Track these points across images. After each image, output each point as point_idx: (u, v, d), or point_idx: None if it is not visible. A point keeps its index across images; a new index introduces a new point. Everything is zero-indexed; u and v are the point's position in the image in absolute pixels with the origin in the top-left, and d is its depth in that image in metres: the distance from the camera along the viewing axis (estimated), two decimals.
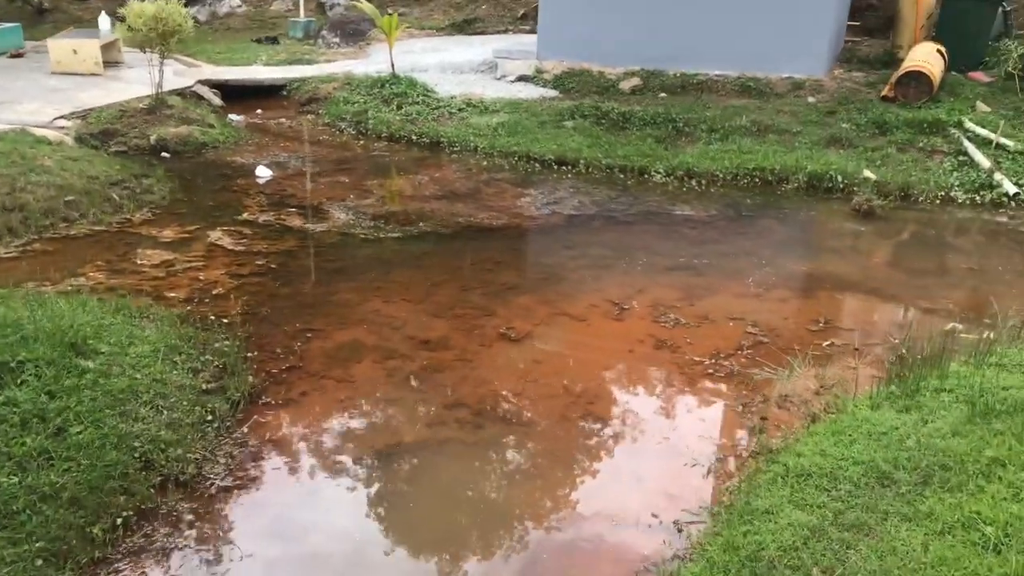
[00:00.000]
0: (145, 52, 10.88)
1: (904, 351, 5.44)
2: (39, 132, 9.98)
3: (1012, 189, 8.84)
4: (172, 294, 6.29)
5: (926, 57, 11.06)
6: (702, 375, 5.29)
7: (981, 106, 10.76)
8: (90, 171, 8.80)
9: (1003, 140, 9.74)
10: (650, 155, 10.16)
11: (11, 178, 8.04)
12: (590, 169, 9.99)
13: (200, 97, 12.57)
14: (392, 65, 13.22)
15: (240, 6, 19.09)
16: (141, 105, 11.09)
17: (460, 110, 12.02)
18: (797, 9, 11.79)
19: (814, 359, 5.38)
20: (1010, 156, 9.55)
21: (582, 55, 13.22)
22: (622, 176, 9.81)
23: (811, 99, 11.49)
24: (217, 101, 12.66)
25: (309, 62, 15.21)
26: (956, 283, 7.02)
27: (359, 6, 13.94)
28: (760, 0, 11.98)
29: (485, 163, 10.27)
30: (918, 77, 10.83)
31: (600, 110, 11.45)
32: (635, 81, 12.58)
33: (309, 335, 5.74)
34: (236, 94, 13.25)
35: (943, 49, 11.37)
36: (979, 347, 5.25)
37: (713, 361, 5.43)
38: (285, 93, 13.69)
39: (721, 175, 9.61)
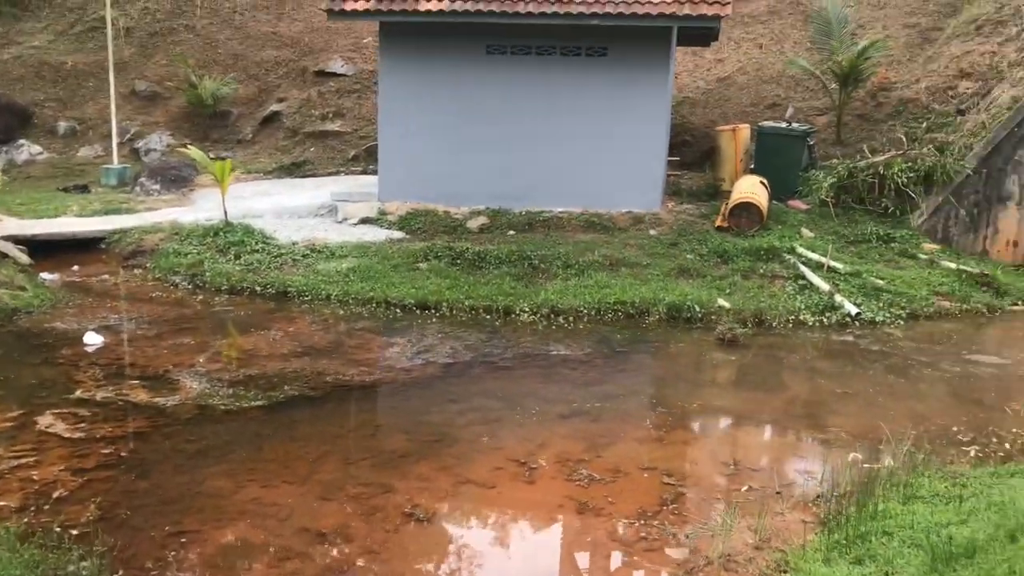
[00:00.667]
0: None
1: (822, 491, 5.39)
2: None
3: (853, 310, 9.40)
4: (0, 503, 5.22)
5: (752, 189, 11.85)
6: (636, 541, 4.94)
7: (806, 232, 11.60)
8: None
9: (833, 263, 10.45)
10: (512, 294, 10.03)
11: None
12: (454, 312, 9.69)
13: (3, 255, 11.25)
14: (225, 212, 12.54)
15: (41, 153, 17.74)
16: None
17: (304, 256, 11.48)
18: (634, 149, 12.41)
19: (740, 508, 5.18)
20: (842, 278, 10.23)
21: (426, 196, 13.15)
22: (488, 317, 9.58)
23: (653, 232, 11.93)
24: (24, 259, 11.37)
25: (128, 211, 14.16)
26: (838, 409, 7.19)
27: (186, 152, 13.23)
28: (599, 141, 12.53)
29: (341, 312, 9.72)
30: (748, 208, 11.55)
31: (454, 250, 11.30)
32: (482, 220, 12.61)
33: (183, 539, 4.88)
34: (46, 249, 11.99)
35: (765, 181, 12.24)
36: (888, 478, 5.28)
37: (643, 523, 5.11)
38: (104, 246, 12.57)
39: (585, 311, 9.60)
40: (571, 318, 9.51)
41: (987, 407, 7.31)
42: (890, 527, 4.56)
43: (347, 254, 11.53)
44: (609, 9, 11.80)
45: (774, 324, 9.31)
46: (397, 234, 12.53)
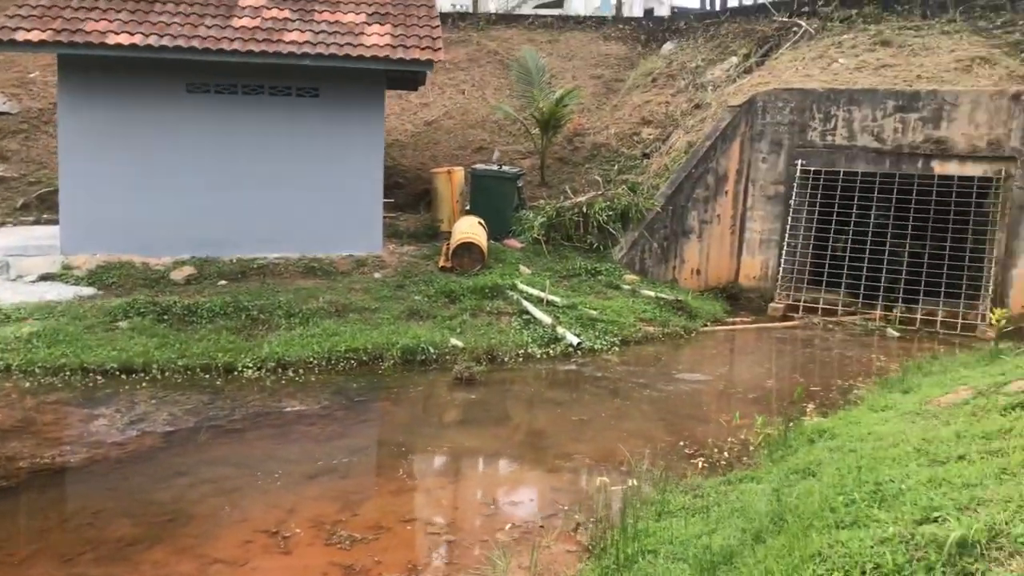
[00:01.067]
0: None
1: (580, 519, 5.50)
2: None
3: (574, 340, 9.91)
4: None
5: (472, 229, 12.13)
6: None
7: (524, 269, 12.08)
8: None
9: (551, 297, 10.97)
10: (231, 348, 9.28)
11: None
12: (166, 374, 8.73)
13: None
14: None
15: None
16: None
17: None
18: (352, 190, 12.21)
19: (508, 548, 5.11)
20: (561, 310, 10.76)
21: (120, 246, 11.86)
22: (207, 377, 8.75)
23: (377, 275, 11.75)
24: None
25: None
26: (577, 436, 7.44)
27: None
28: (315, 183, 12.16)
29: (27, 384, 8.35)
30: (470, 248, 11.80)
31: (159, 305, 10.24)
32: (188, 270, 11.61)
33: None
34: None
35: (483, 221, 12.60)
36: (637, 498, 5.52)
37: None
38: None
39: (315, 361, 9.13)
40: (301, 370, 8.98)
41: (702, 420, 8.00)
42: (652, 545, 4.72)
43: (27, 316, 9.99)
44: (321, 50, 11.54)
45: (506, 359, 9.52)
46: (87, 290, 11.13)
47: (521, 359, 9.57)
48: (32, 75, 17.99)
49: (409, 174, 15.98)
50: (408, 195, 15.68)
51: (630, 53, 18.65)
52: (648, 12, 23.03)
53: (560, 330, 10.08)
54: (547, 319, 10.31)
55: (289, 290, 11.03)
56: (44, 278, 11.39)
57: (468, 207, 13.69)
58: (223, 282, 11.42)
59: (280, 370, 8.97)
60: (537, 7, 30.94)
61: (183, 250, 11.95)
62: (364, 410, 8.03)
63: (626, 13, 21.82)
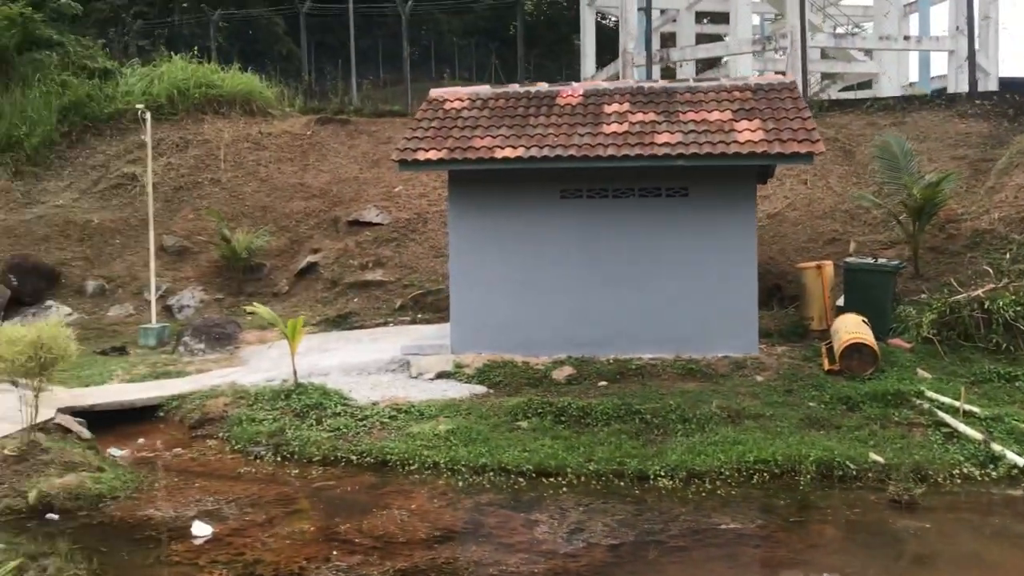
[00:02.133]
0: (17, 386, 8.74)
1: None
2: None
3: (1020, 461, 8.70)
4: None
5: (858, 328, 11.35)
6: None
7: (922, 372, 11.03)
8: None
9: (968, 407, 9.82)
10: (635, 454, 9.21)
11: None
12: (581, 478, 8.82)
13: (66, 430, 10.25)
14: (295, 372, 11.72)
15: (71, 314, 16.87)
16: (6, 452, 8.70)
17: (392, 418, 10.60)
18: (726, 291, 11.98)
19: None
20: (985, 423, 9.58)
21: (501, 346, 12.47)
22: (621, 483, 8.71)
23: (759, 378, 11.30)
24: (86, 433, 10.35)
25: (179, 375, 13.27)
26: None
27: (255, 310, 12.51)
28: (687, 283, 12.09)
29: (460, 484, 8.80)
30: (860, 349, 11.01)
31: (554, 406, 10.51)
32: (568, 370, 11.91)
33: None
34: (102, 421, 11.02)
35: (866, 319, 11.76)
36: None
37: None
38: (162, 414, 11.62)
39: (726, 472, 8.77)
40: (714, 482, 8.66)
41: None
42: None
43: (436, 414, 10.67)
44: (694, 149, 11.60)
45: (939, 480, 8.56)
46: (479, 388, 11.75)
47: (958, 481, 8.55)
48: (396, 189, 20.00)
49: (759, 269, 15.50)
50: (762, 291, 15.16)
51: (995, 130, 17.05)
52: (1007, 85, 21.08)
53: (997, 447, 8.93)
54: (975, 434, 9.20)
55: (674, 393, 10.86)
56: (440, 376, 12.22)
57: (840, 304, 12.91)
58: (603, 383, 11.55)
59: (693, 480, 8.72)
60: (842, 90, 29.69)
61: (560, 350, 12.31)
62: (805, 533, 7.51)
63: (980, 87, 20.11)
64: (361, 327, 16.29)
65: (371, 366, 12.83)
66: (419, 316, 16.38)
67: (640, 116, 12.48)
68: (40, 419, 10.15)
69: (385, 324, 16.28)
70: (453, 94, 13.55)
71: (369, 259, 18.00)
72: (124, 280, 17.96)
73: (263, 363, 13.62)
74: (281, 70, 27.46)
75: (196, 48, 24.44)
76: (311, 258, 18.44)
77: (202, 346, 14.74)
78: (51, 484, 8.20)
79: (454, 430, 10.03)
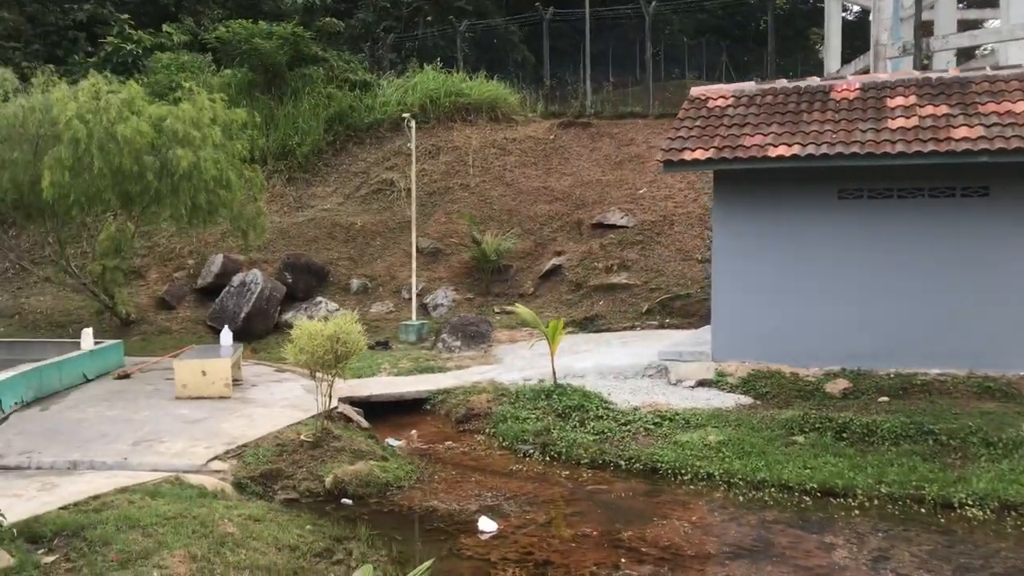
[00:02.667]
0: (315, 377, 9.37)
1: None
2: (195, 480, 8.17)
3: None
4: None
5: None
6: None
7: None
8: (284, 538, 6.85)
9: None
10: (933, 479, 8.31)
11: (207, 564, 6.06)
12: (874, 501, 8.09)
13: (347, 419, 10.90)
14: (554, 373, 11.77)
15: (338, 309, 18.09)
16: (303, 437, 9.35)
17: (656, 425, 10.33)
18: None
19: None
20: None
21: (766, 355, 11.83)
22: (920, 510, 7.89)
23: None
24: (364, 423, 10.96)
25: (440, 369, 13.81)
26: None
27: (516, 311, 12.74)
28: (986, 293, 10.85)
29: (739, 498, 8.36)
30: None
31: (834, 422, 9.78)
32: (843, 383, 11.06)
33: None
34: (374, 411, 11.63)
35: None
36: None
37: None
38: (429, 407, 12.11)
39: None
40: None
41: None
42: None
43: (703, 423, 10.27)
44: (1001, 144, 10.38)
45: None
46: (744, 399, 11.21)
47: None
48: (640, 191, 19.77)
49: None
50: None
51: None
52: None
53: None
54: None
55: (972, 413, 9.76)
56: (701, 384, 11.80)
57: None
58: (883, 398, 10.61)
59: (1007, 512, 7.73)
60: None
61: (831, 361, 11.49)
62: None
63: None
64: (608, 330, 16.18)
65: (627, 370, 12.64)
66: (667, 321, 16.02)
67: (931, 109, 11.38)
68: (323, 409, 10.92)
69: (632, 328, 16.06)
70: (716, 91, 13.08)
71: (614, 262, 17.89)
72: (384, 279, 19.04)
73: (517, 362, 13.85)
74: (517, 76, 28.12)
75: (439, 58, 25.53)
76: (556, 260, 18.62)
77: (458, 343, 15.26)
78: (344, 470, 8.68)
79: (725, 441, 9.59)
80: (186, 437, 9.37)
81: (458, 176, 21.58)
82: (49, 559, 5.98)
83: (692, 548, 7.15)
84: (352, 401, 11.58)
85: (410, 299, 18.04)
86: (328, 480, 8.55)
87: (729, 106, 12.60)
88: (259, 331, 17.37)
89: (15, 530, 6.29)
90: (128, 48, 25.78)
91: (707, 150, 11.82)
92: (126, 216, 16.42)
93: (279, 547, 6.64)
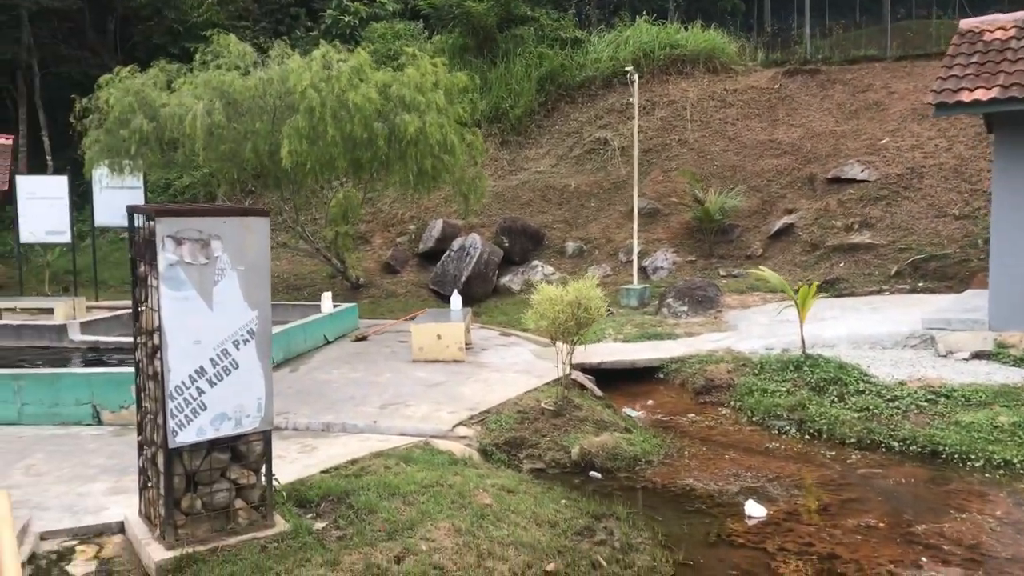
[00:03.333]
0: (555, 343, 9.02)
1: None
2: (443, 445, 8.06)
3: None
4: None
5: None
6: None
7: None
8: (542, 512, 6.52)
9: None
10: None
11: (471, 538, 5.83)
12: None
13: (581, 387, 10.53)
14: (803, 342, 10.78)
15: (554, 273, 17.87)
16: (543, 405, 9.06)
17: (929, 402, 9.15)
18: None
19: None
20: None
21: None
22: None
23: None
24: (597, 391, 10.55)
25: (669, 336, 13.14)
26: None
27: (760, 274, 11.83)
28: None
29: None
30: None
31: None
32: None
33: None
34: (603, 379, 11.18)
35: None
36: None
37: None
38: (661, 376, 11.51)
39: None
40: None
41: None
42: None
43: (988, 401, 8.97)
44: None
45: None
46: None
47: None
48: (882, 142, 17.93)
49: None
50: None
51: None
52: None
53: None
54: None
55: None
56: (977, 356, 10.39)
57: None
58: None
59: None
60: None
61: None
62: None
63: None
64: (851, 294, 14.80)
65: (884, 339, 11.39)
66: (919, 284, 14.41)
67: None
68: (562, 376, 10.58)
69: (879, 292, 14.59)
70: (992, 23, 11.37)
71: (854, 220, 16.35)
72: (599, 241, 18.56)
73: (754, 329, 12.92)
74: (733, 24, 26.48)
75: (643, 12, 24.42)
76: (787, 219, 17.31)
77: (684, 308, 14.51)
78: (590, 442, 8.28)
79: (1021, 423, 8.30)
80: (429, 401, 9.34)
81: (675, 132, 20.60)
82: (319, 525, 5.98)
83: (1007, 549, 6.13)
84: (583, 368, 11.19)
85: (627, 262, 17.47)
86: (574, 451, 8.19)
87: (1011, 38, 10.89)
88: (478, 294, 17.45)
89: (284, 493, 6.38)
90: (346, 20, 26.68)
91: (989, 89, 10.27)
92: (354, 183, 16.91)
93: (538, 522, 6.32)
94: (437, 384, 10.13)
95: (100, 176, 16.15)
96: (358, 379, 10.46)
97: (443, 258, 18.23)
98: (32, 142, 27.90)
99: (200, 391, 5.42)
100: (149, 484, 5.85)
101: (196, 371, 5.39)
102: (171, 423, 5.31)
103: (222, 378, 5.50)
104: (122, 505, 6.24)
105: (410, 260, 19.29)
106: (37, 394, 8.73)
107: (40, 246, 19.76)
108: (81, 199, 20.61)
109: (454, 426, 8.54)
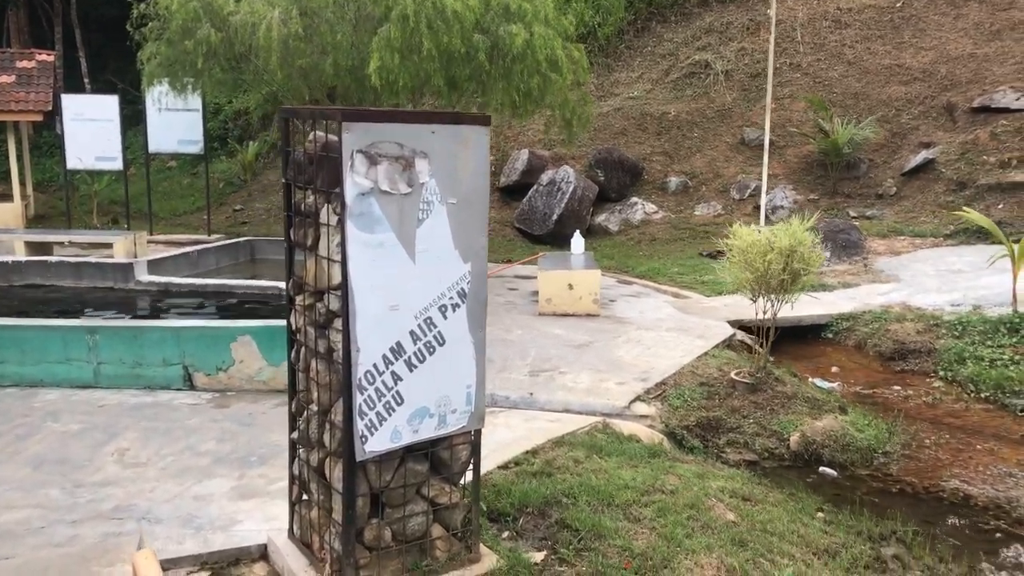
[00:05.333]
0: (757, 299, 7.26)
1: None
2: (624, 427, 6.41)
3: None
4: None
5: None
6: None
7: None
8: (808, 535, 4.87)
9: None
10: None
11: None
12: None
13: (749, 349, 8.83)
14: (1015, 298, 8.97)
15: (656, 212, 16.02)
16: (734, 376, 7.35)
17: None
18: None
19: None
20: None
21: None
22: None
23: None
24: (769, 355, 8.81)
25: (821, 287, 11.32)
26: None
27: (968, 216, 9.95)
28: None
29: None
30: None
31: None
32: None
33: None
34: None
35: None
36: None
37: None
38: (831, 335, 9.78)
39: None
40: None
41: None
42: None
43: None
44: None
45: None
46: None
47: None
48: None
49: None
50: None
51: None
52: None
53: None
54: None
55: None
56: None
57: None
58: None
59: None
60: None
61: None
62: None
63: None
64: (1016, 240, 12.84)
65: None
66: None
67: None
68: (719, 338, 8.89)
69: None
70: None
71: (1012, 155, 14.29)
72: (706, 176, 16.62)
73: (923, 280, 11.10)
74: None
75: None
76: (925, 154, 15.26)
77: (826, 254, 12.63)
78: (812, 427, 6.59)
79: None
80: (585, 367, 7.66)
81: (785, 55, 18.40)
82: (536, 556, 4.36)
83: None
84: (742, 326, 9.47)
85: (740, 199, 15.61)
86: (793, 438, 6.50)
87: None
88: (571, 235, 15.64)
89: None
90: None
91: None
92: (448, 103, 15.01)
93: (814, 551, 4.67)
94: (583, 345, 8.45)
95: (158, 95, 14.37)
96: (489, 337, 8.78)
97: (529, 193, 16.42)
98: (68, 63, 26.10)
99: (396, 378, 3.75)
100: (306, 498, 4.25)
101: (393, 349, 3.71)
102: (359, 425, 3.66)
103: (424, 358, 3.82)
104: (257, 518, 4.66)
105: (491, 194, 17.47)
106: (116, 351, 7.14)
107: (87, 173, 18.14)
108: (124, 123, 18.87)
109: (630, 402, 6.87)
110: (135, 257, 12.04)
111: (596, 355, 8.05)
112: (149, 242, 14.72)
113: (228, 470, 5.32)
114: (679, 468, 5.63)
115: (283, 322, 7.34)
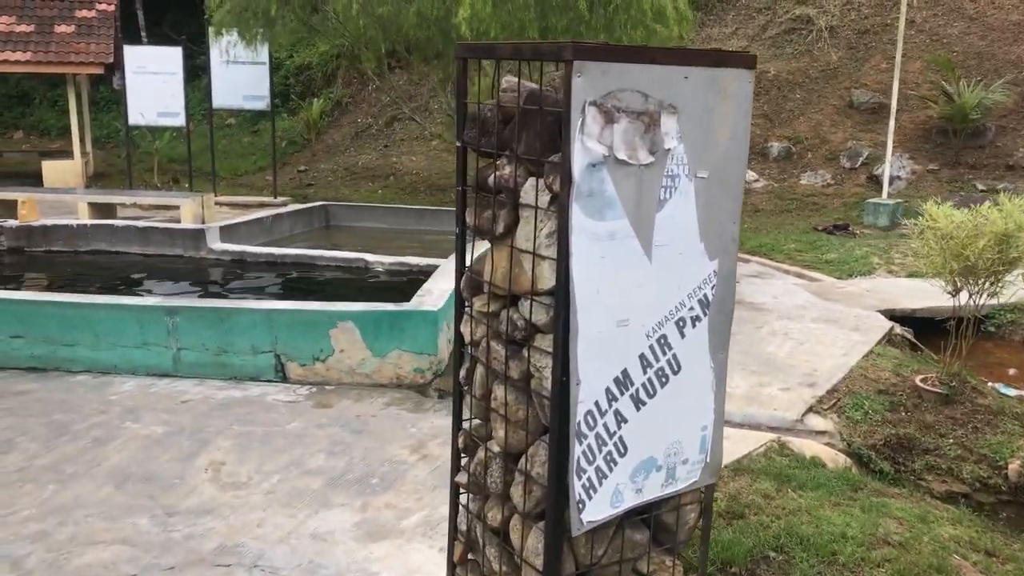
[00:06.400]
0: (960, 292, 6.08)
1: None
2: (802, 446, 5.32)
3: None
4: None
5: None
6: None
7: None
8: None
9: None
10: None
11: None
12: None
13: (913, 346, 7.64)
14: None
15: (757, 180, 14.72)
16: (921, 383, 6.19)
17: None
18: None
19: None
20: None
21: None
22: None
23: None
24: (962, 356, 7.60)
25: None
26: None
27: None
28: None
29: None
30: None
31: None
32: None
33: None
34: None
35: None
36: None
37: None
38: (993, 329, 8.52)
39: None
40: None
41: None
42: None
43: None
44: None
45: None
46: None
47: None
48: None
49: None
50: None
51: None
52: None
53: None
54: None
55: None
56: None
57: None
58: None
59: None
60: None
61: None
62: None
63: None
64: None
65: None
66: None
67: None
68: (877, 332, 7.70)
69: None
70: None
71: None
72: (811, 142, 15.24)
73: None
74: None
75: None
76: None
77: None
78: None
79: None
80: (734, 366, 6.53)
81: (896, 10, 16.77)
82: None
83: None
84: (892, 315, 8.27)
85: (852, 168, 14.26)
86: (1012, 467, 5.35)
87: None
88: None
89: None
90: None
91: None
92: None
93: None
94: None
95: (225, 46, 13.40)
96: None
97: None
98: (124, 16, 25.30)
99: (620, 419, 2.69)
100: (473, 557, 3.25)
101: (618, 380, 2.65)
102: (576, 485, 2.62)
103: (654, 391, 2.76)
104: (396, 570, 3.69)
105: None
106: (199, 335, 6.23)
107: (148, 129, 17.33)
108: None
109: (802, 414, 5.76)
110: (203, 222, 11.17)
111: (743, 351, 6.93)
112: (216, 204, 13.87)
113: (347, 497, 4.36)
114: (893, 508, 4.54)
115: (388, 305, 6.28)
